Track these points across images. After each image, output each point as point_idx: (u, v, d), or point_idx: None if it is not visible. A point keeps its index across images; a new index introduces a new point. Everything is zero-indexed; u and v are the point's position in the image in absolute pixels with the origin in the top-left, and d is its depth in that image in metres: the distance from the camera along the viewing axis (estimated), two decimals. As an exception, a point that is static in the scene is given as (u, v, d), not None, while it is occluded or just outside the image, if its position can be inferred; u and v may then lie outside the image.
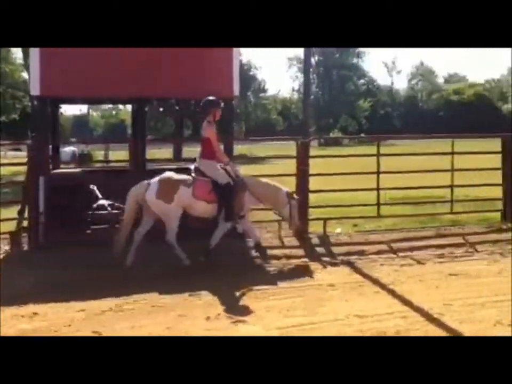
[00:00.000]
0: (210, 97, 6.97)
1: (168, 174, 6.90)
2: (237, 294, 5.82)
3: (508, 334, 4.52)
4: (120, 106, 55.94)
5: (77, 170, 9.84)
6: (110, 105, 64.07)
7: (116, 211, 6.93)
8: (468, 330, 4.66)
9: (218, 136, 7.08)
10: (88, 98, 9.48)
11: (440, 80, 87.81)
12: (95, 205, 6.98)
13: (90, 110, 65.92)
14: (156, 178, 6.77)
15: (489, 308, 5.23)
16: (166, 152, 22.49)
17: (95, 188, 7.19)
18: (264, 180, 7.44)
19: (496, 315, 5.01)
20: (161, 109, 33.87)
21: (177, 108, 32.08)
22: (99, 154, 25.88)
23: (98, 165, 16.21)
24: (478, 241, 8.04)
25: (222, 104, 7.13)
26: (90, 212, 6.89)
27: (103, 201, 7.04)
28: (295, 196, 7.34)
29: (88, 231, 6.95)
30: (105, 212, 6.93)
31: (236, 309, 5.30)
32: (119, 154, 19.52)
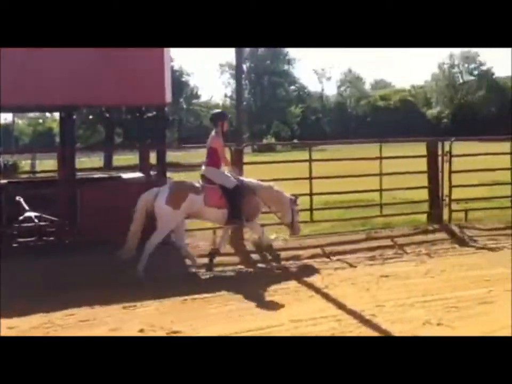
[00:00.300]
0: (218, 110, 7.84)
1: (177, 181, 7.16)
2: (173, 304, 5.75)
3: (436, 334, 4.69)
4: (48, 113, 54.09)
5: (1, 181, 9.42)
6: (37, 113, 61.91)
7: (43, 223, 6.69)
8: (398, 330, 4.80)
9: (225, 146, 7.46)
10: (13, 106, 9.09)
11: (368, 87, 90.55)
12: (21, 217, 6.71)
13: (16, 118, 63.37)
14: (166, 185, 6.99)
15: (418, 308, 5.42)
16: (96, 160, 21.93)
17: (21, 200, 6.92)
18: (267, 184, 7.55)
19: (424, 315, 5.19)
20: (90, 117, 33.08)
21: (107, 115, 31.45)
22: (26, 164, 24.89)
23: (24, 175, 15.61)
24: (406, 243, 8.31)
25: (154, 112, 7.06)
26: (16, 225, 6.63)
27: (30, 213, 6.78)
28: (297, 202, 7.61)
29: (15, 245, 6.68)
30: (33, 224, 6.68)
31: (171, 320, 5.22)
32: (47, 164, 18.84)
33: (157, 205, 6.79)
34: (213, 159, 7.20)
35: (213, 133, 7.30)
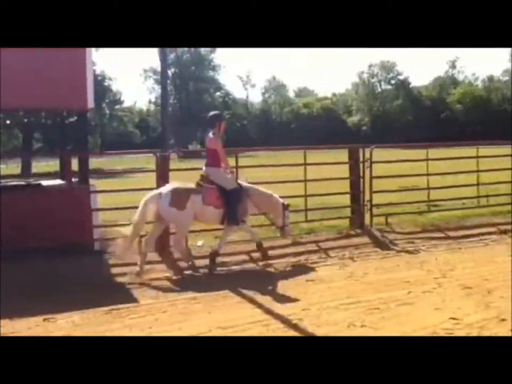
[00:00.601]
0: (215, 112, 7.99)
1: (176, 183, 7.38)
2: (95, 314, 5.60)
3: (360, 335, 4.83)
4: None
5: None
6: None
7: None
8: (324, 332, 4.91)
9: (224, 146, 7.62)
10: None
11: (291, 94, 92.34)
12: None
13: None
14: (168, 189, 7.17)
15: (343, 311, 5.56)
16: (13, 167, 21.01)
17: None
18: (261, 188, 7.85)
19: (349, 317, 5.34)
20: (8, 122, 31.64)
21: (25, 120, 30.20)
22: None
23: None
24: (330, 247, 8.51)
25: (76, 117, 6.88)
26: None
27: None
28: (288, 206, 7.95)
29: None
30: None
31: (93, 331, 5.07)
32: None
33: (161, 209, 7.09)
34: (214, 160, 7.42)
35: (210, 134, 7.50)
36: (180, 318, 5.46)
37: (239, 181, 7.72)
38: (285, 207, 7.87)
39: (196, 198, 7.18)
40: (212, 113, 7.82)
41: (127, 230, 7.15)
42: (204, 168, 7.54)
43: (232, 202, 7.31)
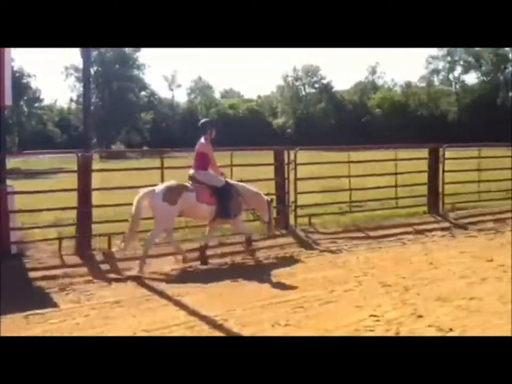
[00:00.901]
0: (207, 119, 8.80)
1: (171, 181, 7.72)
2: (13, 320, 5.36)
3: (284, 334, 4.91)
4: None
5: None
6: None
7: None
8: (249, 332, 4.95)
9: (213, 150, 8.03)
10: None
11: (217, 95, 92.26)
12: None
13: None
14: (162, 185, 7.58)
15: (268, 310, 5.63)
16: None
17: None
18: (247, 186, 8.33)
19: (273, 316, 5.41)
20: None
21: None
22: None
23: None
24: (256, 248, 8.56)
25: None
26: None
27: None
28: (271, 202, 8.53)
29: None
30: None
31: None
32: None
33: (154, 202, 7.42)
34: (201, 163, 7.86)
35: (202, 139, 7.96)
36: (101, 322, 5.33)
37: (229, 180, 8.17)
38: (270, 203, 8.40)
39: (187, 195, 7.54)
40: (204, 120, 8.46)
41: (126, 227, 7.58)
42: (192, 170, 7.93)
43: (224, 199, 7.76)
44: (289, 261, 7.99)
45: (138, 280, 6.98)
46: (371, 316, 5.37)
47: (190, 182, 7.79)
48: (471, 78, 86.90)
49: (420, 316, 5.35)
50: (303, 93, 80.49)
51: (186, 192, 7.57)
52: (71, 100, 73.72)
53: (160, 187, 7.57)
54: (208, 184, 7.78)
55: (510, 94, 67.72)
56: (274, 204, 9.96)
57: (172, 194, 7.45)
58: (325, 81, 79.72)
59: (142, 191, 7.52)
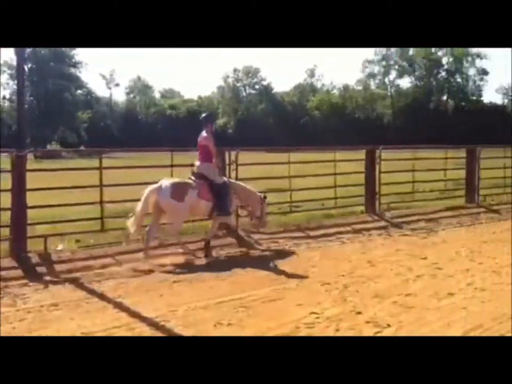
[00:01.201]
0: (208, 113, 9.45)
1: (174, 179, 8.12)
2: None
3: (227, 334, 4.92)
4: None
5: None
6: None
7: None
8: (191, 332, 4.94)
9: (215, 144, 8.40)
10: None
11: (157, 95, 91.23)
12: None
13: None
14: (167, 182, 7.86)
15: (210, 310, 5.63)
16: None
17: None
18: (242, 184, 8.80)
19: (216, 316, 5.42)
20: None
21: None
22: None
23: None
24: (197, 248, 8.53)
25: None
26: None
27: None
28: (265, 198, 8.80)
29: None
30: None
31: None
32: None
33: (162, 200, 7.75)
34: (206, 155, 8.22)
35: (203, 132, 8.33)
36: (39, 326, 5.17)
37: (224, 177, 8.56)
38: (263, 199, 8.71)
39: (192, 192, 7.92)
40: (204, 114, 8.91)
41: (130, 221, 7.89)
42: (197, 163, 8.30)
43: (221, 196, 8.13)
44: (230, 261, 8.02)
45: (76, 282, 6.82)
46: (312, 313, 5.48)
47: (192, 178, 8.16)
48: (405, 82, 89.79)
49: (359, 313, 5.50)
50: (244, 94, 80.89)
51: (191, 189, 7.94)
52: (4, 98, 71.17)
53: (166, 184, 7.84)
54: (209, 179, 8.12)
55: (443, 97, 70.53)
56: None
57: (179, 191, 7.81)
58: (265, 83, 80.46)
59: (149, 188, 7.86)
